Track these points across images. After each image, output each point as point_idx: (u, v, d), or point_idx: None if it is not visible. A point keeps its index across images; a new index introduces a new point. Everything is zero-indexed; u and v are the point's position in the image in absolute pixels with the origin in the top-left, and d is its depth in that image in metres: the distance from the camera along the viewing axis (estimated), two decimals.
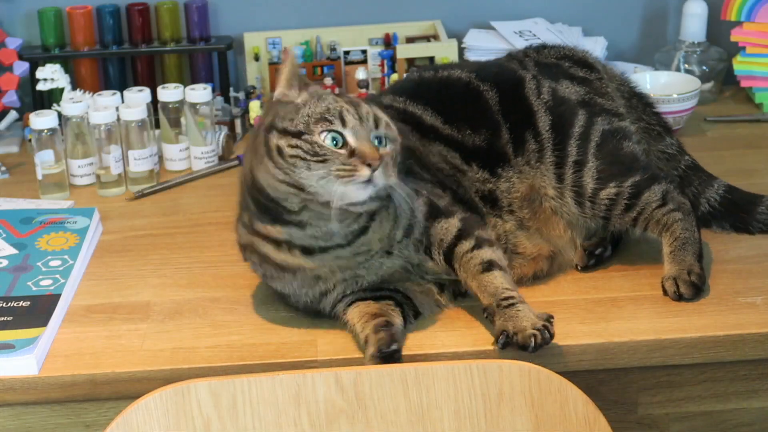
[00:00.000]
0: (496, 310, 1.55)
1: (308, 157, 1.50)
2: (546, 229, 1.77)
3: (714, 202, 1.86)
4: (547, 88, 1.80)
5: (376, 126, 1.53)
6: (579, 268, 1.77)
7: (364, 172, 1.49)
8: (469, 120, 1.77)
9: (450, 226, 1.63)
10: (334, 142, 1.50)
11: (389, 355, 1.53)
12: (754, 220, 1.85)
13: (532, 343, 1.51)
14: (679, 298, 1.68)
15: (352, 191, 1.51)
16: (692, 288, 1.68)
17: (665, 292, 1.70)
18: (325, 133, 1.50)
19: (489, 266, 1.59)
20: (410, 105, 1.79)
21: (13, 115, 2.34)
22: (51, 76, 2.27)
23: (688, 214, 1.74)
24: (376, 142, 1.52)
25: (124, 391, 1.59)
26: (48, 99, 2.34)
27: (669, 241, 1.72)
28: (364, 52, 2.43)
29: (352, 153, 1.50)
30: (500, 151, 1.76)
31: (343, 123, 1.51)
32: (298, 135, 1.51)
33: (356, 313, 1.61)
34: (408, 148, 1.66)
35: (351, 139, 1.51)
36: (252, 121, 2.32)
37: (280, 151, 1.52)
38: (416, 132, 1.75)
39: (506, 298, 1.56)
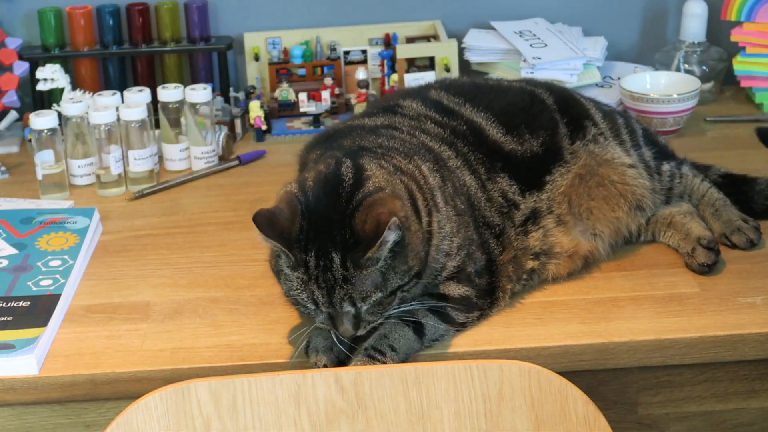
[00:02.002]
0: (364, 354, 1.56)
1: (301, 309, 1.56)
2: (601, 212, 1.78)
3: (717, 178, 1.97)
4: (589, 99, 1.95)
5: (353, 305, 1.51)
6: (707, 266, 1.75)
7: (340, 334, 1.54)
8: (528, 123, 1.80)
9: (457, 293, 1.63)
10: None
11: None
12: (755, 193, 1.93)
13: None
14: (751, 244, 1.82)
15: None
16: (756, 231, 1.83)
17: (734, 246, 1.82)
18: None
19: (419, 330, 1.59)
20: (471, 111, 1.81)
21: (13, 115, 2.34)
22: (51, 76, 2.27)
23: (711, 185, 1.91)
24: (361, 308, 1.51)
25: (124, 391, 1.59)
26: (48, 99, 2.34)
27: (710, 202, 1.88)
28: (364, 52, 2.43)
29: (332, 317, 1.53)
30: (555, 147, 1.80)
31: (317, 308, 1.52)
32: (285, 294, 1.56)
33: None
34: (471, 204, 1.69)
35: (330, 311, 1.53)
36: (252, 121, 2.32)
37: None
38: (481, 156, 1.76)
39: (376, 349, 1.55)
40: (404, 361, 1.56)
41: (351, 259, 1.49)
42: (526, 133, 1.79)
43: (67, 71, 2.33)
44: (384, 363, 1.53)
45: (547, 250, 1.73)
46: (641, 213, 1.83)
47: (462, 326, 1.63)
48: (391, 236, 1.49)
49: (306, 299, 1.52)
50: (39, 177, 2.10)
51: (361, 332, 1.53)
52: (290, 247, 1.50)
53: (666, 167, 1.88)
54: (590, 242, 1.77)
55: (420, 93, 1.88)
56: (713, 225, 1.85)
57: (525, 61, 2.34)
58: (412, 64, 2.42)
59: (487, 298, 1.66)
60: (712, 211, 1.86)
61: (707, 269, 1.75)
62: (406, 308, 1.56)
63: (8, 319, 1.67)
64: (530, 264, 1.72)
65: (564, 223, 1.76)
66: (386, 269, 1.51)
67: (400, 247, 1.51)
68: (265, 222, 1.50)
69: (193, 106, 2.19)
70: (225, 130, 2.25)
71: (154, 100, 2.22)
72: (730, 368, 1.67)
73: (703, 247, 1.76)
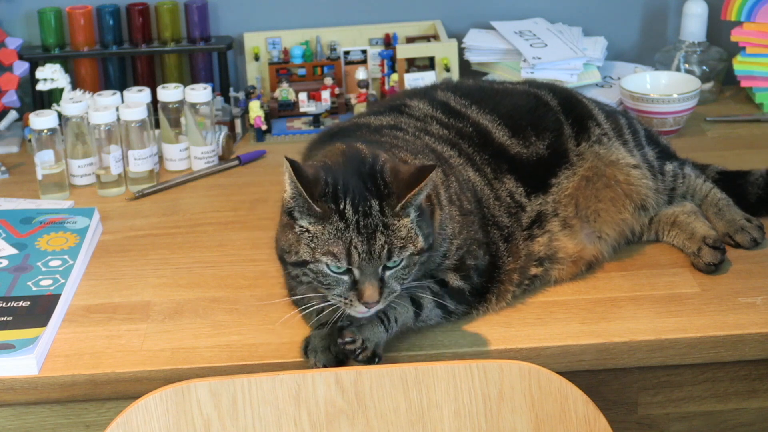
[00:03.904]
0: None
1: (311, 281, 1.52)
2: (608, 214, 1.79)
3: (714, 175, 1.97)
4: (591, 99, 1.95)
5: (389, 256, 1.49)
6: (713, 265, 1.76)
7: (360, 309, 1.51)
8: (534, 125, 1.80)
9: (455, 283, 1.64)
10: (339, 268, 1.50)
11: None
12: (748, 183, 1.94)
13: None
14: (755, 243, 1.82)
15: (351, 312, 1.53)
16: (760, 230, 1.83)
17: (738, 246, 1.82)
18: (330, 264, 1.50)
19: (418, 311, 1.61)
20: (478, 113, 1.81)
21: (13, 115, 2.34)
22: (51, 76, 2.27)
23: (714, 185, 1.91)
24: (385, 273, 1.50)
25: (124, 391, 1.59)
26: (48, 99, 2.34)
27: (713, 202, 1.88)
28: (364, 52, 2.43)
29: (355, 284, 1.50)
30: (561, 149, 1.80)
31: (349, 261, 1.49)
32: (303, 264, 1.51)
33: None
34: (478, 201, 1.69)
35: (356, 273, 1.50)
36: (252, 121, 2.32)
37: (285, 269, 1.55)
38: (486, 157, 1.76)
39: (386, 316, 1.56)
40: (397, 334, 1.58)
41: (389, 206, 1.49)
42: (532, 136, 1.79)
43: (67, 71, 2.32)
44: (386, 330, 1.54)
45: (551, 255, 1.73)
46: (644, 213, 1.83)
47: (449, 315, 1.64)
48: (427, 188, 1.50)
49: (340, 251, 1.47)
50: (39, 177, 2.10)
51: (381, 304, 1.50)
52: (313, 197, 1.48)
53: (669, 167, 1.88)
54: (595, 246, 1.77)
55: (427, 93, 1.88)
56: (716, 224, 1.85)
57: (525, 61, 2.34)
58: (412, 64, 2.42)
59: (477, 297, 1.66)
60: (715, 211, 1.86)
61: (714, 268, 1.76)
62: (413, 285, 1.56)
63: (8, 319, 1.67)
64: (534, 271, 1.72)
65: (570, 226, 1.76)
66: (415, 226, 1.51)
67: (422, 210, 1.53)
68: (296, 167, 1.48)
69: (193, 106, 2.19)
70: (225, 130, 2.25)
71: (154, 100, 2.22)
72: (730, 368, 1.67)
73: (709, 246, 1.76)
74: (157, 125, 2.23)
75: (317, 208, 1.48)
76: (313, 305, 1.64)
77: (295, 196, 1.49)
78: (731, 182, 1.94)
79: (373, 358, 1.52)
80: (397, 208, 1.49)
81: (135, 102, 2.14)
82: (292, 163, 1.48)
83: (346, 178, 1.50)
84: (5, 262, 1.83)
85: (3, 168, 2.23)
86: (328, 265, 1.49)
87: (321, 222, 1.49)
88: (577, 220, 1.77)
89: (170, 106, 2.20)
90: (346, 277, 1.50)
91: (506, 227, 1.71)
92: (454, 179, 1.68)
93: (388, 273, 1.50)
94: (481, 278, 1.66)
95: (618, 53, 2.54)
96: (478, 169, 1.74)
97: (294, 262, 1.51)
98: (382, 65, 2.41)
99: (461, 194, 1.67)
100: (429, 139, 1.74)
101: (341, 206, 1.48)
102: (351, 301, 1.50)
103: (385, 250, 1.48)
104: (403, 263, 1.51)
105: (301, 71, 2.43)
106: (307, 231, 1.49)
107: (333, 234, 1.48)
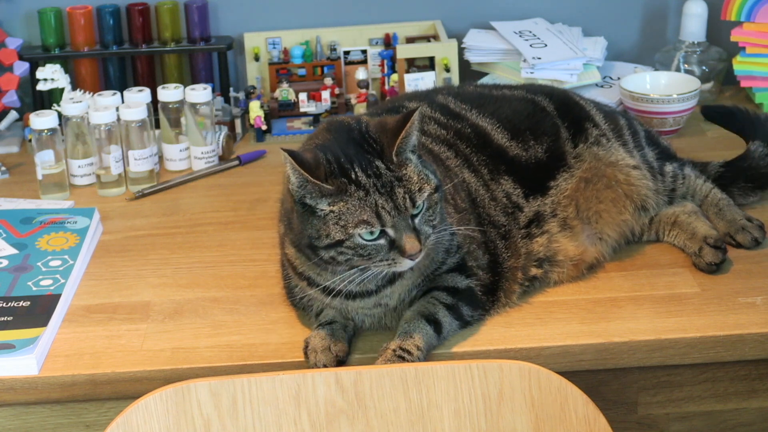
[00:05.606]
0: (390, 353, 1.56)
1: (351, 257, 1.52)
2: (609, 215, 1.79)
3: (720, 169, 1.97)
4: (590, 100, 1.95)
5: (414, 203, 1.52)
6: (715, 265, 1.76)
7: (406, 264, 1.53)
8: (532, 130, 1.81)
9: (462, 283, 1.64)
10: (372, 235, 1.51)
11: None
12: (752, 160, 1.96)
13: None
14: (756, 243, 1.82)
15: (399, 269, 1.55)
16: (761, 229, 1.83)
17: (739, 245, 1.82)
18: (364, 233, 1.51)
19: (438, 328, 1.60)
20: (477, 116, 1.82)
21: (13, 115, 2.34)
22: (51, 76, 2.27)
23: (714, 186, 1.91)
24: (414, 221, 1.52)
25: (124, 391, 1.59)
26: (48, 99, 2.34)
27: (714, 202, 1.88)
28: (364, 52, 2.43)
29: (392, 243, 1.51)
30: (559, 152, 1.80)
31: (382, 222, 1.50)
32: (338, 244, 1.51)
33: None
34: (473, 200, 1.70)
35: (390, 232, 1.51)
36: (252, 121, 2.32)
37: (318, 255, 1.53)
38: (484, 158, 1.77)
39: (405, 350, 1.56)
40: (426, 357, 1.58)
41: (389, 159, 1.52)
42: (531, 140, 1.80)
43: (67, 71, 2.32)
44: (413, 362, 1.54)
45: (550, 257, 1.73)
46: (645, 214, 1.83)
47: (467, 324, 1.64)
48: (414, 129, 1.52)
49: (370, 216, 1.49)
50: (39, 177, 2.10)
51: (424, 251, 1.52)
52: (320, 178, 1.49)
53: (669, 168, 1.88)
54: (596, 247, 1.77)
55: (427, 96, 1.90)
56: (717, 224, 1.85)
57: (525, 61, 2.34)
58: (412, 64, 2.42)
59: (489, 296, 1.66)
60: (716, 211, 1.87)
61: (715, 268, 1.76)
62: (436, 237, 1.57)
63: (8, 319, 1.67)
64: (533, 271, 1.72)
65: (570, 227, 1.76)
66: (421, 168, 1.54)
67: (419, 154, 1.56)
68: (295, 155, 1.50)
69: (193, 106, 2.19)
70: (225, 130, 2.25)
71: (154, 100, 2.22)
72: (730, 368, 1.67)
73: (710, 246, 1.76)
74: (157, 125, 2.23)
75: (329, 186, 1.50)
76: (312, 305, 1.65)
77: (302, 184, 1.50)
78: (737, 168, 1.95)
79: None
80: (395, 158, 1.52)
81: (135, 102, 2.14)
82: (290, 153, 1.49)
83: (344, 149, 1.52)
84: (5, 262, 1.83)
85: (3, 168, 2.23)
86: (361, 236, 1.50)
87: (339, 198, 1.50)
88: (578, 222, 1.77)
89: (170, 106, 2.20)
90: (382, 241, 1.51)
91: (503, 226, 1.72)
92: (449, 181, 1.68)
93: (416, 220, 1.52)
94: (486, 274, 1.66)
95: (618, 53, 2.54)
96: (474, 170, 1.74)
97: (327, 245, 1.52)
98: (382, 65, 2.41)
99: (455, 194, 1.67)
100: (426, 139, 1.74)
101: (353, 176, 1.50)
102: (394, 260, 1.52)
103: (407, 200, 1.51)
104: (425, 206, 1.53)
105: (301, 71, 2.43)
106: (331, 212, 1.50)
107: (356, 204, 1.50)
